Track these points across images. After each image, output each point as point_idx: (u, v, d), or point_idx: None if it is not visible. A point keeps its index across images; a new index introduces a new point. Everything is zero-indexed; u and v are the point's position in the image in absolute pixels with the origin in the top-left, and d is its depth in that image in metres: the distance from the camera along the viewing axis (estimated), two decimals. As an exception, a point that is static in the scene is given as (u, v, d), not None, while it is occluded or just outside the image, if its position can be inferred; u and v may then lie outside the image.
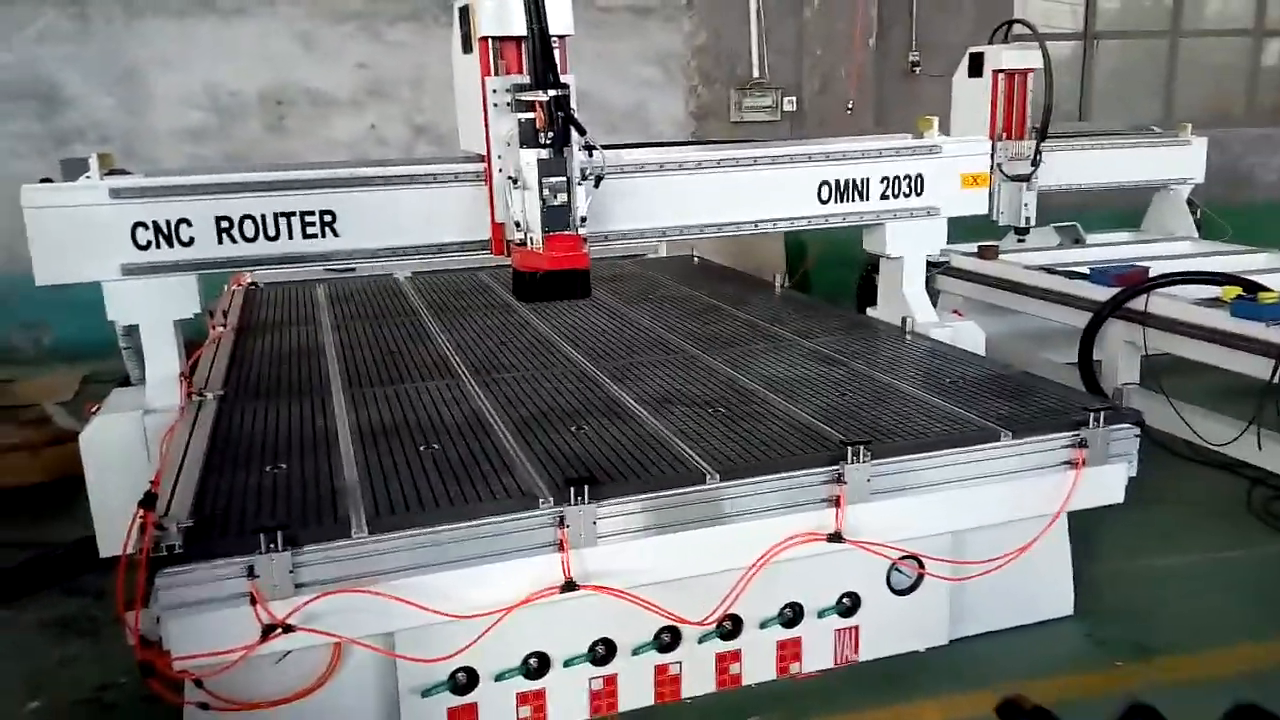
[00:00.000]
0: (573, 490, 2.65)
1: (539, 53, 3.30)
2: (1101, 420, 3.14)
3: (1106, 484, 3.23)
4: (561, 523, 2.65)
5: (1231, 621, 3.52)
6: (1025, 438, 3.11)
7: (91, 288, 3.58)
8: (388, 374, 3.93)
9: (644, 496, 2.75)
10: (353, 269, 6.04)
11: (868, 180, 4.54)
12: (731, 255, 6.88)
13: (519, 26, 3.35)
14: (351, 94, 8.11)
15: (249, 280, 5.79)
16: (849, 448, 2.89)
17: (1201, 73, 10.62)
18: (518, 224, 3.59)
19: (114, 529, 3.33)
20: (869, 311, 5.05)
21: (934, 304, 5.32)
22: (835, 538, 2.90)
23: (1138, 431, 3.25)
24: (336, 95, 8.08)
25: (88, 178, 3.45)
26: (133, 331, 3.67)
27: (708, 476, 2.80)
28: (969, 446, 3.06)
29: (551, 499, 2.66)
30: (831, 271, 7.45)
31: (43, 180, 3.46)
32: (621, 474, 2.83)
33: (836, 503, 2.89)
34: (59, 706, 3.15)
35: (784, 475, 2.87)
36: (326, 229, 3.75)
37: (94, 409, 3.64)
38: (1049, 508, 3.16)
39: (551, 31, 3.31)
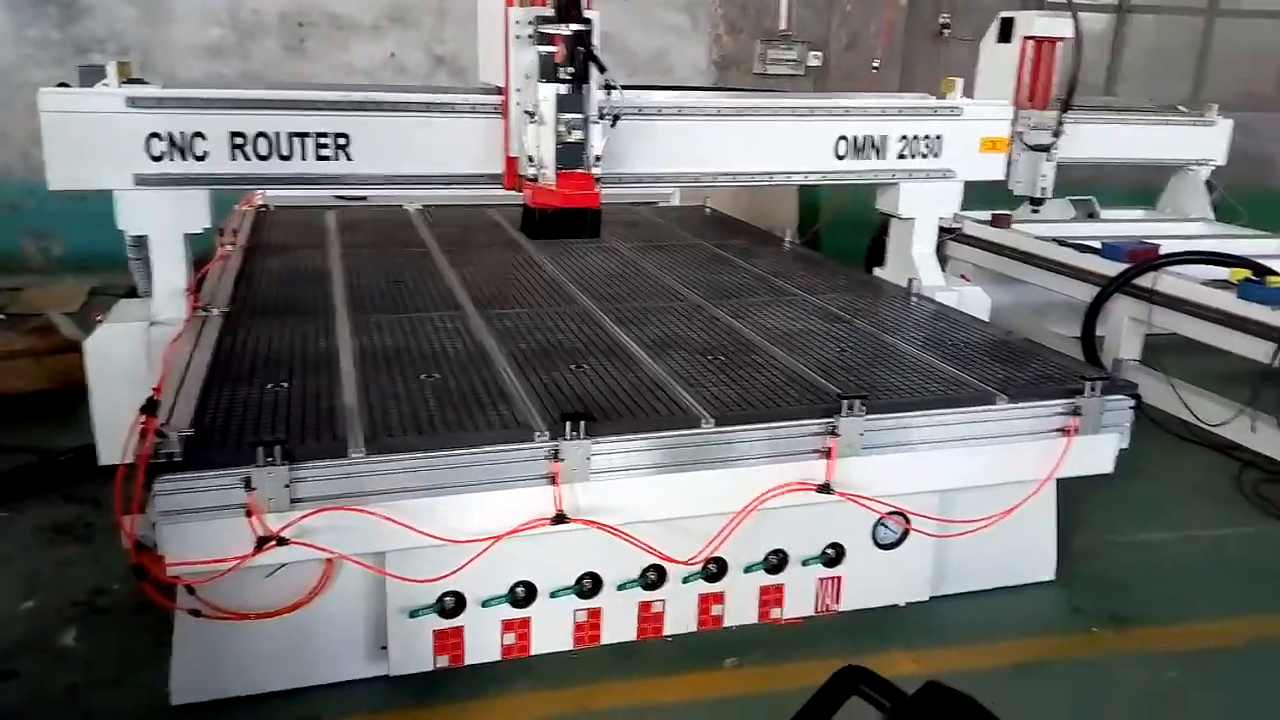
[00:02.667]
0: (568, 425, 2.68)
1: None
2: (1097, 390, 3.16)
3: (1097, 453, 3.25)
4: (556, 456, 2.68)
5: (1211, 597, 3.57)
6: (1020, 402, 3.13)
7: (103, 200, 3.60)
8: (392, 303, 3.94)
9: (639, 436, 2.78)
10: (364, 198, 6.06)
11: (886, 138, 4.52)
12: (744, 210, 6.84)
13: None
14: (374, 20, 8.02)
15: (260, 202, 5.79)
16: (844, 401, 2.92)
17: (1234, 55, 10.45)
18: (531, 159, 3.59)
19: (114, 437, 3.35)
20: (876, 271, 5.05)
21: (944, 269, 5.32)
22: (825, 489, 2.93)
23: (1133, 404, 3.26)
24: (358, 20, 7.99)
25: (105, 85, 3.45)
26: (142, 243, 3.69)
27: (703, 421, 2.83)
28: (963, 407, 3.08)
29: (547, 432, 2.69)
30: (843, 234, 7.40)
31: (60, 85, 3.45)
32: (618, 413, 2.86)
33: (828, 454, 2.92)
34: (53, 607, 3.22)
35: (778, 424, 2.89)
36: (340, 152, 3.75)
37: (99, 317, 3.67)
38: (1038, 473, 3.19)
39: None
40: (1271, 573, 3.78)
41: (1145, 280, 5.02)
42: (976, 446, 3.10)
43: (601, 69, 3.44)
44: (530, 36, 3.46)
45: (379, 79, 7.97)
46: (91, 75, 3.47)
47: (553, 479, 2.69)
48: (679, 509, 2.87)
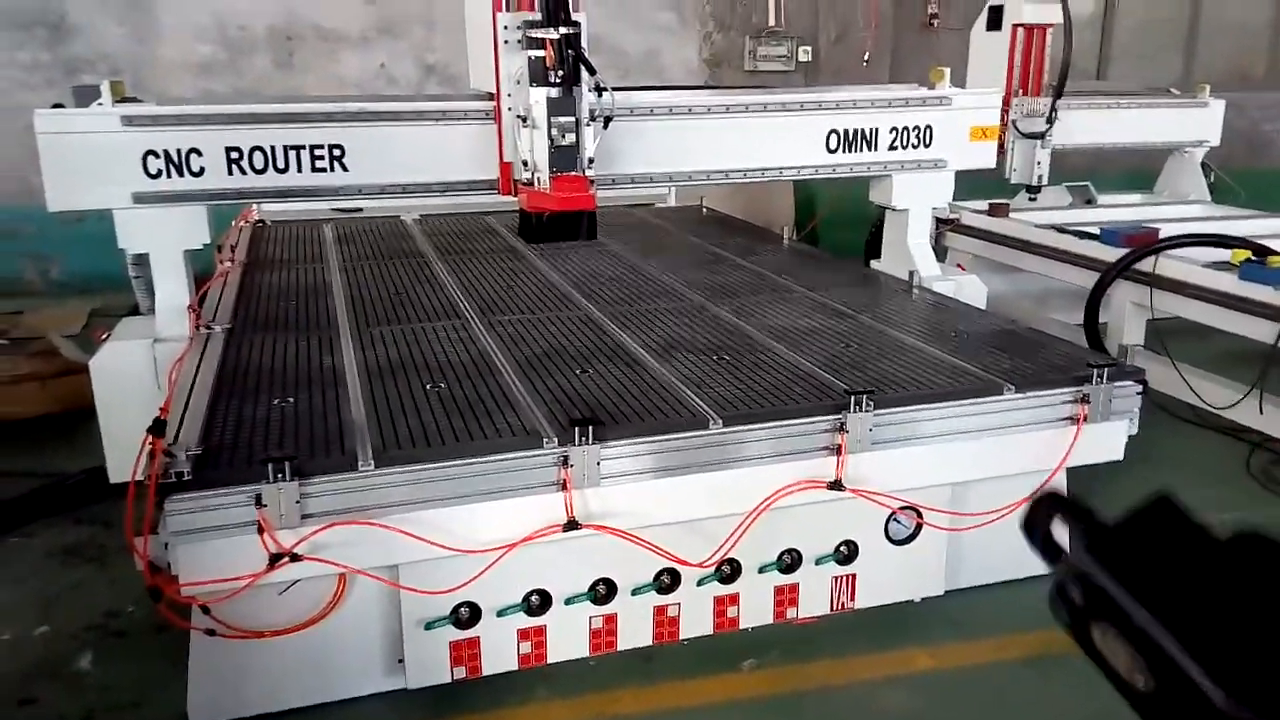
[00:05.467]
0: (577, 430, 2.67)
1: None
2: (1105, 377, 3.15)
3: (1107, 441, 3.25)
4: (565, 462, 2.67)
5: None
6: (1027, 392, 3.12)
7: (101, 221, 3.60)
8: (394, 313, 3.94)
9: (648, 439, 2.77)
10: (360, 210, 6.04)
11: (876, 130, 4.54)
12: (740, 207, 6.85)
13: None
14: (362, 31, 8.01)
15: (256, 217, 5.78)
16: (852, 397, 2.91)
17: (1224, 33, 10.44)
18: (525, 164, 3.60)
19: (123, 456, 3.40)
20: (872, 264, 5.05)
21: (942, 260, 5.32)
22: (836, 486, 2.92)
23: (1140, 389, 3.26)
24: (346, 32, 7.98)
25: (99, 104, 3.46)
26: (142, 260, 3.70)
27: (711, 421, 2.82)
28: (971, 399, 3.07)
29: (556, 439, 2.68)
30: (840, 228, 7.42)
31: (54, 106, 3.46)
32: (626, 416, 2.85)
33: (838, 451, 2.91)
34: (68, 630, 3.22)
35: (787, 422, 2.89)
36: (335, 163, 3.77)
37: (104, 336, 3.68)
38: (1049, 462, 3.18)
39: None
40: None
41: (1146, 264, 5.02)
42: (986, 438, 3.10)
43: (591, 71, 3.46)
44: (519, 41, 3.47)
45: (370, 90, 7.97)
46: (85, 95, 3.48)
47: (563, 485, 2.69)
48: (690, 511, 2.86)
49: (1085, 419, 3.15)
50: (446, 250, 5.16)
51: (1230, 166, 7.25)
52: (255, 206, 5.67)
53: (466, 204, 5.92)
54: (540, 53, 3.40)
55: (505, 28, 3.50)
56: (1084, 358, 3.41)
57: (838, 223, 7.48)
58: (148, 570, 2.46)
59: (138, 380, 3.50)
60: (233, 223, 5.61)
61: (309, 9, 7.88)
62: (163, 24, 7.64)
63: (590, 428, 2.68)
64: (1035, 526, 0.86)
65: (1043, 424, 3.16)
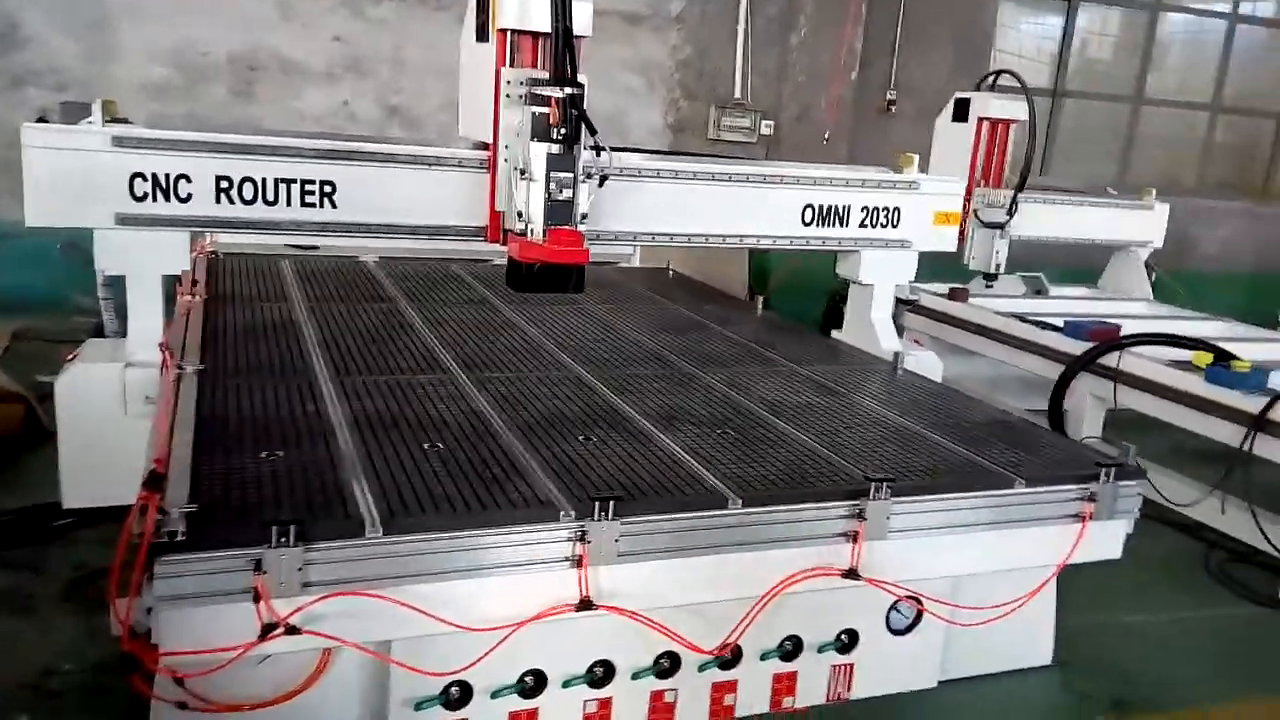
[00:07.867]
0: (597, 506, 2.54)
1: (561, 51, 3.33)
2: (1112, 475, 3.16)
3: (1108, 540, 3.25)
4: (583, 538, 2.53)
5: (1199, 682, 3.58)
6: (1038, 487, 3.10)
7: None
8: (374, 363, 3.75)
9: (668, 517, 2.64)
10: (316, 247, 5.83)
11: (849, 208, 4.70)
12: (694, 270, 6.82)
13: (539, 22, 3.42)
14: (326, 67, 7.83)
15: (209, 248, 5.51)
16: (872, 484, 2.84)
17: (1156, 141, 11.01)
18: (519, 214, 3.55)
19: (81, 482, 3.31)
20: (833, 334, 5.14)
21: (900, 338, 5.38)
22: (851, 574, 2.84)
23: (1139, 489, 3.27)
24: (311, 66, 7.79)
25: (89, 123, 3.25)
26: (115, 283, 3.56)
27: (730, 501, 2.71)
28: (985, 491, 3.04)
29: (573, 512, 2.54)
30: (791, 297, 7.46)
31: (39, 120, 3.24)
32: (641, 491, 2.72)
33: (854, 539, 2.83)
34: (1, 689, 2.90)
35: (806, 506, 2.80)
36: (325, 200, 3.70)
37: (71, 356, 3.54)
38: (1053, 558, 3.16)
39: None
40: (1256, 656, 3.83)
41: (1109, 359, 5.13)
42: (995, 531, 3.05)
43: (593, 131, 3.47)
44: (522, 97, 3.46)
45: (330, 126, 7.77)
46: (74, 113, 3.28)
47: (578, 562, 2.54)
48: (703, 594, 2.74)
49: (1091, 516, 3.14)
50: (414, 296, 4.99)
51: (1161, 266, 7.55)
52: (209, 237, 5.41)
53: (427, 249, 5.75)
54: (544, 110, 3.38)
55: (509, 83, 3.51)
56: (1085, 455, 3.42)
57: (790, 292, 7.54)
58: (127, 636, 2.22)
59: (105, 405, 3.37)
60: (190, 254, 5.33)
61: (275, 40, 7.66)
62: (120, 43, 7.32)
63: (611, 503, 2.54)
64: None
65: (1049, 520, 3.13)
